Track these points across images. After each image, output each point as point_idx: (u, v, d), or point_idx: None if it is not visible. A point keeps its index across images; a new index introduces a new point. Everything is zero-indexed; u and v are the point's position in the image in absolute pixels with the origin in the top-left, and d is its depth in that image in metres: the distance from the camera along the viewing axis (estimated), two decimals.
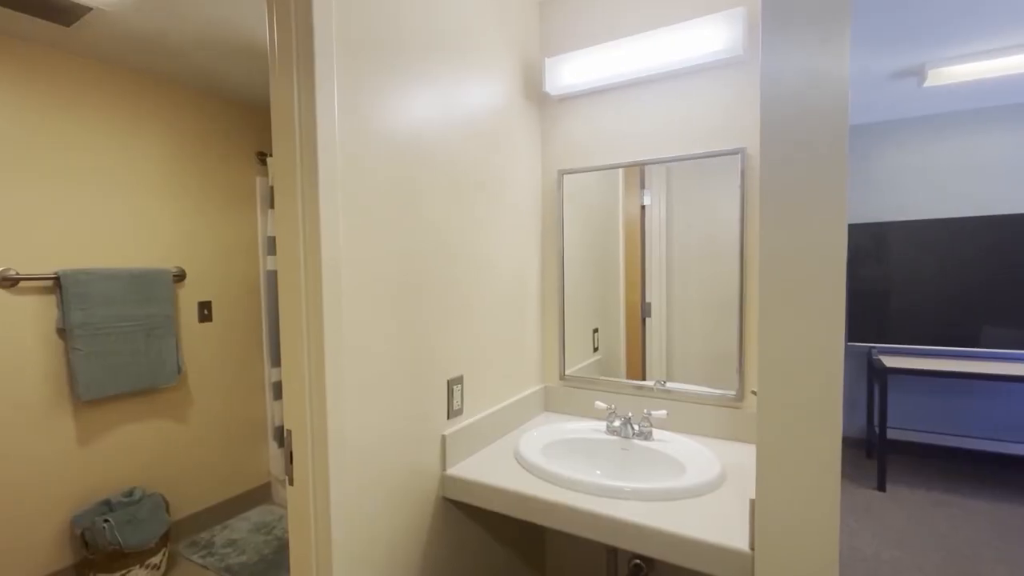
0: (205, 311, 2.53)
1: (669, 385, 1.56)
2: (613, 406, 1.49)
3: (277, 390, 2.75)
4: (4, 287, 1.90)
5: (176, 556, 2.35)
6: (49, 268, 2.01)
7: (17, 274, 1.91)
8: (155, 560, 2.11)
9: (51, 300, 2.01)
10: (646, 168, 1.58)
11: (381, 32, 1.06)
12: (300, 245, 0.96)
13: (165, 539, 2.17)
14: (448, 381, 1.29)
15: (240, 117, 2.67)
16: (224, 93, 2.52)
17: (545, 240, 1.76)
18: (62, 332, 2.04)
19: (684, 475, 1.19)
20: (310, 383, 0.98)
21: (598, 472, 1.40)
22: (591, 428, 1.52)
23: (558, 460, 1.42)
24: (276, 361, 2.73)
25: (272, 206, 2.66)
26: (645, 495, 1.12)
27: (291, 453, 1.02)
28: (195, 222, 2.49)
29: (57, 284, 2.01)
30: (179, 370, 2.36)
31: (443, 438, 1.28)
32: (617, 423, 1.45)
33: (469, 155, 1.34)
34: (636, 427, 1.43)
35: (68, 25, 1.79)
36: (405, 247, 1.14)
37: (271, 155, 2.66)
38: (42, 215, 1.99)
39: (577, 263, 1.74)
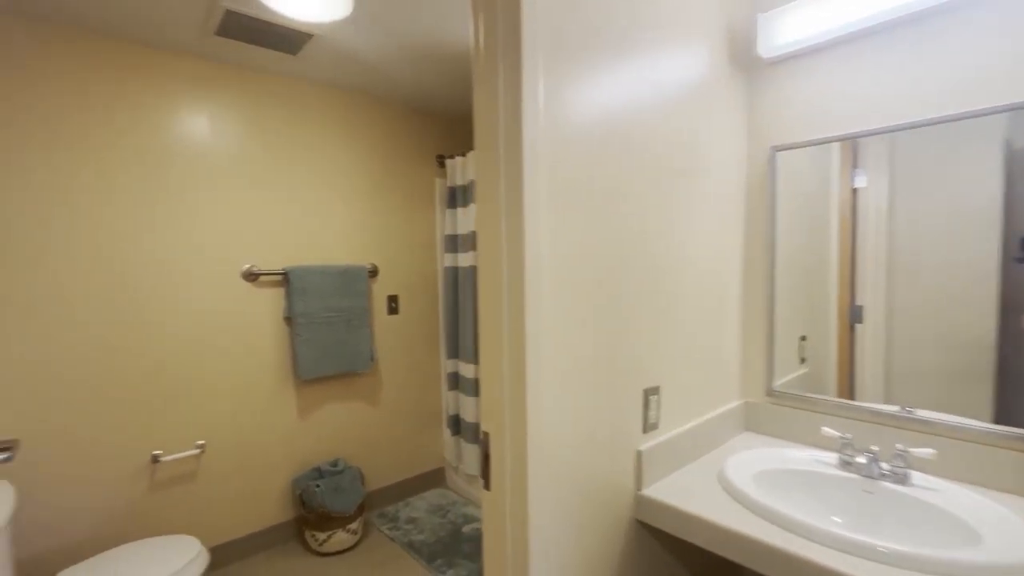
0: (393, 304, 2.77)
1: (920, 413, 1.21)
2: (849, 435, 1.20)
3: (451, 381, 2.90)
4: (249, 281, 2.28)
5: (369, 525, 2.61)
6: (279, 265, 2.36)
7: (258, 270, 2.29)
8: (354, 526, 2.36)
9: (280, 292, 2.37)
10: (859, 143, 1.29)
11: (580, 17, 0.96)
12: (503, 244, 0.91)
13: (361, 508, 2.42)
14: (645, 391, 1.16)
15: (422, 122, 2.86)
16: (410, 101, 2.72)
17: (749, 230, 1.51)
18: (288, 320, 2.39)
19: (980, 544, 0.88)
20: (510, 384, 0.93)
21: (835, 519, 1.13)
22: (813, 459, 1.24)
23: (775, 494, 1.19)
24: (451, 353, 2.88)
25: (450, 206, 2.80)
26: (920, 564, 0.84)
27: (487, 455, 0.98)
28: (384, 222, 2.73)
29: (285, 279, 2.36)
30: (372, 358, 2.62)
31: (638, 454, 1.15)
32: (862, 459, 1.15)
33: (667, 139, 1.18)
34: (886, 466, 1.13)
35: (295, 54, 2.07)
36: (603, 244, 1.04)
37: (449, 158, 2.80)
38: (273, 220, 2.35)
39: (782, 258, 1.47)
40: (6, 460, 0.95)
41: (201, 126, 2.12)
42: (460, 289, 2.75)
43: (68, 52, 1.82)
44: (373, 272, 2.68)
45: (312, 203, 2.47)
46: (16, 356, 1.76)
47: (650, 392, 1.17)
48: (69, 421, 1.86)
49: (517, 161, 0.88)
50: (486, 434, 0.98)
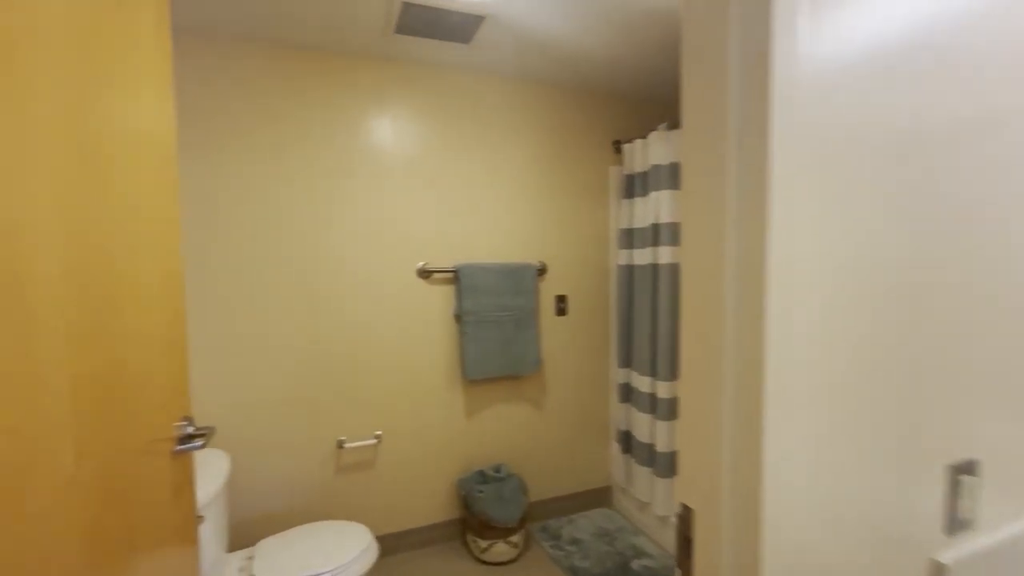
0: (561, 305, 2.58)
1: None
2: None
3: (623, 392, 2.60)
4: (423, 278, 2.31)
5: (531, 537, 2.46)
6: (449, 262, 2.35)
7: (431, 268, 2.30)
8: (515, 539, 2.24)
9: (450, 290, 2.36)
10: None
11: None
12: (728, 241, 0.61)
13: (523, 520, 2.28)
14: (949, 467, 0.73)
15: (596, 105, 2.60)
16: (584, 82, 2.48)
17: None
18: (457, 318, 2.36)
19: None
20: (734, 441, 0.62)
21: None
22: None
23: None
24: (623, 362, 2.58)
25: (626, 196, 2.49)
26: None
27: (688, 539, 0.69)
28: (553, 216, 2.55)
29: (455, 276, 2.34)
30: (539, 361, 2.46)
31: (939, 568, 0.72)
32: None
33: (998, 58, 0.72)
34: None
35: (467, 42, 2.00)
36: (890, 238, 0.65)
37: (627, 142, 2.49)
38: (444, 216, 2.34)
39: None
40: (201, 446, 0.97)
41: (384, 127, 2.20)
42: (636, 290, 2.44)
43: (271, 67, 2.02)
44: (541, 270, 2.52)
45: (482, 199, 2.40)
46: (233, 348, 2.01)
47: (959, 470, 0.73)
48: (273, 405, 2.08)
49: (760, 118, 0.57)
50: (687, 509, 0.68)
